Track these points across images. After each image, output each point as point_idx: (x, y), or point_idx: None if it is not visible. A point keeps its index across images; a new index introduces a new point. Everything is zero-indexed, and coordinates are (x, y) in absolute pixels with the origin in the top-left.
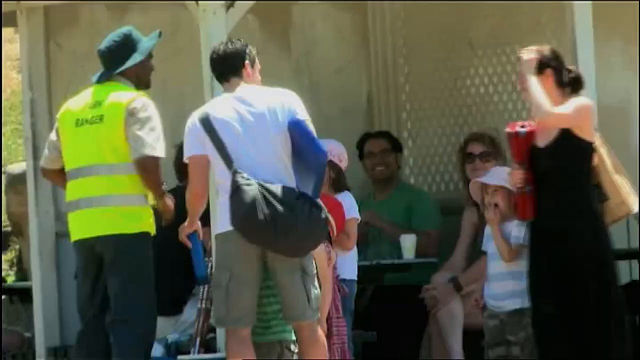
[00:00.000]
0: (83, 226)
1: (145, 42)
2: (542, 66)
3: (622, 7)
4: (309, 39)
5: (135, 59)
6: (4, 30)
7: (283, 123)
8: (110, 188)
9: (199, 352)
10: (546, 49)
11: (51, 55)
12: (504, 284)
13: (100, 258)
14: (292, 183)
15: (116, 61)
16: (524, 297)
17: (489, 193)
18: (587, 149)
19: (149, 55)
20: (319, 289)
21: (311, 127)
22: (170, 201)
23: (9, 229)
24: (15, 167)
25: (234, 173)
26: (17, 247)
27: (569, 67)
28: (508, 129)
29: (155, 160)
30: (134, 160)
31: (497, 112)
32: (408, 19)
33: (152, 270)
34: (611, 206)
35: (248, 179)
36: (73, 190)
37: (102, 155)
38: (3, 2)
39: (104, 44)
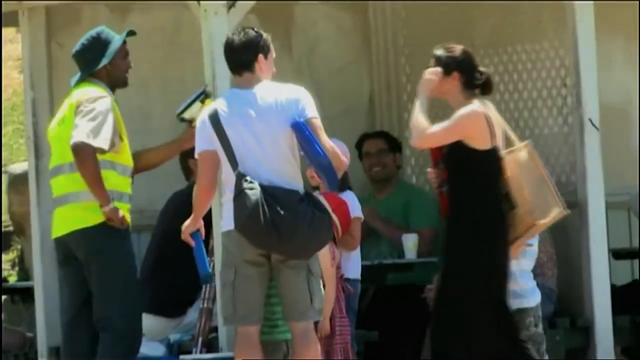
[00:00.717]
0: (56, 224)
1: (115, 43)
2: (449, 68)
3: (624, 6)
4: (310, 38)
5: (102, 62)
6: (5, 30)
7: (289, 122)
8: (71, 186)
9: (201, 352)
10: (457, 50)
11: (53, 55)
12: None
13: (76, 257)
14: (297, 184)
15: (85, 64)
16: (526, 297)
17: None
18: (480, 157)
19: (124, 54)
20: (322, 290)
21: (316, 125)
22: (114, 211)
23: (10, 228)
24: (17, 166)
25: (238, 176)
26: (19, 247)
27: (480, 69)
28: None
29: (87, 147)
30: (70, 147)
31: (498, 112)
32: (409, 18)
33: (130, 261)
34: (520, 214)
35: (251, 183)
36: (52, 190)
37: (64, 155)
38: (4, 2)
39: (75, 47)
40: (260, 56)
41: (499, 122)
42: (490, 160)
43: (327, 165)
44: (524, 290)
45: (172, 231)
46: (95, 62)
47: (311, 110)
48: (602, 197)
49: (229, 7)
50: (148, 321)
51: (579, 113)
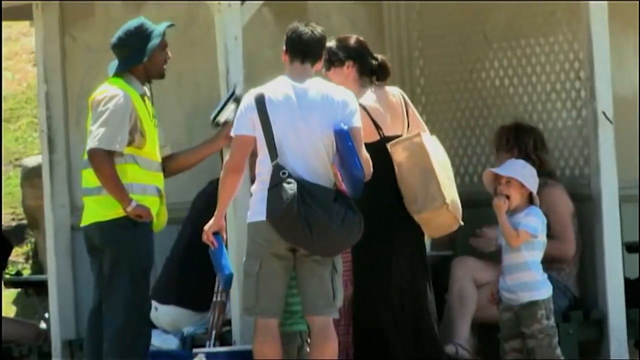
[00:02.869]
0: (83, 214)
1: (153, 40)
2: (341, 58)
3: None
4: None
5: (140, 60)
6: (19, 23)
7: (332, 125)
8: (96, 180)
9: (214, 345)
10: (351, 39)
11: (66, 49)
12: (517, 276)
13: (97, 248)
14: (328, 183)
15: (122, 59)
16: (537, 289)
17: (502, 183)
18: (368, 150)
19: (163, 46)
20: (342, 291)
21: (359, 136)
22: (138, 208)
23: (24, 222)
24: (31, 160)
25: (277, 167)
26: (33, 240)
27: (376, 55)
28: None
29: (99, 153)
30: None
31: (512, 105)
32: (423, 11)
33: (139, 257)
34: (406, 204)
35: (290, 176)
36: (81, 180)
37: None
38: None
39: (114, 37)
40: (324, 58)
41: (395, 108)
42: (377, 152)
43: (360, 179)
44: (535, 282)
45: (203, 224)
46: (133, 60)
47: (357, 118)
48: (616, 190)
49: (243, 0)
50: (173, 312)
51: (592, 106)
